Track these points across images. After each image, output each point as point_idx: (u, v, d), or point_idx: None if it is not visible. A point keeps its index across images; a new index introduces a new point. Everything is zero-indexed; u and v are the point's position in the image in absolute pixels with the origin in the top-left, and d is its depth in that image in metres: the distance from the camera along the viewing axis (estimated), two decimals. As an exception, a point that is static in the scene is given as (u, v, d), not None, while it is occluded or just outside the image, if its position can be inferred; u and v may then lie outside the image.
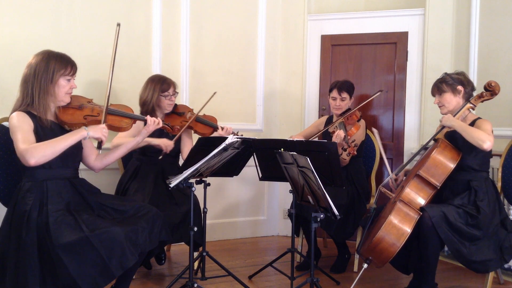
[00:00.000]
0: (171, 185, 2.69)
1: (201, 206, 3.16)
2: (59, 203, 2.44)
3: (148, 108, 3.33)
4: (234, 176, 3.29)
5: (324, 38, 4.55)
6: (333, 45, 4.53)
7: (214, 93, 3.49)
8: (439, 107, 3.10)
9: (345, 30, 4.49)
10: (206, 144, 2.82)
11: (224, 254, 3.96)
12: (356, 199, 3.54)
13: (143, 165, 3.38)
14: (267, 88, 4.61)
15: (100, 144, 2.53)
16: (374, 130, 3.37)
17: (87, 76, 3.53)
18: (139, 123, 2.90)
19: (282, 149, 2.82)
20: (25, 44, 3.43)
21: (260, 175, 3.19)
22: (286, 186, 3.78)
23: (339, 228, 3.42)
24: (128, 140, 2.92)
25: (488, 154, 3.00)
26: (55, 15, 3.58)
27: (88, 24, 3.71)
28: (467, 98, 3.05)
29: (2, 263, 2.37)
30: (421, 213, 2.82)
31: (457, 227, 2.78)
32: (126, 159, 3.52)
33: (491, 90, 2.99)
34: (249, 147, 3.03)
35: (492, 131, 2.88)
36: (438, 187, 2.92)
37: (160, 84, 3.34)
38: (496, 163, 3.42)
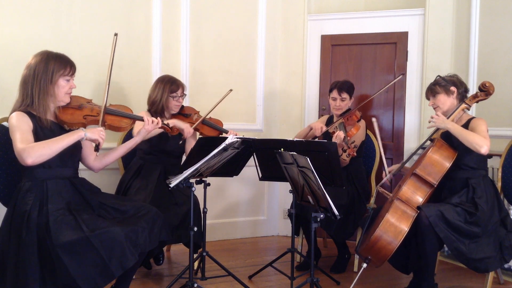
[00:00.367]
0: (171, 185, 2.70)
1: (201, 206, 3.16)
2: (60, 202, 2.44)
3: (157, 108, 3.37)
4: (234, 176, 3.29)
5: (324, 38, 4.55)
6: (333, 45, 4.53)
7: (230, 90, 3.52)
8: (434, 109, 3.13)
9: (345, 30, 4.49)
10: (206, 144, 2.83)
11: (224, 254, 3.96)
12: (356, 199, 3.54)
13: (146, 164, 3.38)
14: (267, 88, 4.61)
15: (97, 147, 2.52)
16: (373, 119, 3.37)
17: (87, 76, 3.53)
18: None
19: (282, 149, 2.82)
20: (25, 44, 3.43)
21: (260, 175, 3.19)
22: (286, 186, 3.78)
23: (339, 228, 3.42)
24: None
25: None
26: (55, 15, 3.58)
27: (88, 24, 3.71)
28: (461, 99, 3.07)
29: (2, 263, 2.37)
30: (418, 211, 2.83)
31: (455, 226, 2.78)
32: (126, 159, 3.52)
33: (485, 91, 3.01)
34: (249, 147, 3.03)
35: (487, 131, 2.88)
36: (435, 186, 2.93)
37: (170, 85, 3.38)
38: (496, 163, 3.42)
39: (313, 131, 3.63)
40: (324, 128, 3.57)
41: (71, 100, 2.60)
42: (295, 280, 3.11)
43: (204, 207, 3.12)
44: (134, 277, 3.04)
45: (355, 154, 3.27)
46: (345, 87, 3.65)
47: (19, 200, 2.41)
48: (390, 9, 4.39)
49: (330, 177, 2.84)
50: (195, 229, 2.87)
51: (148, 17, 3.99)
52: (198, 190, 2.94)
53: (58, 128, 2.54)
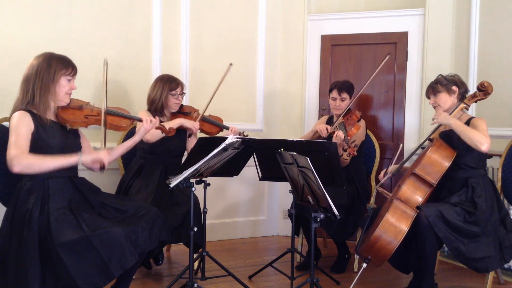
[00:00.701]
0: (171, 185, 2.70)
1: (201, 206, 3.16)
2: (61, 201, 2.44)
3: (157, 106, 3.38)
4: (234, 176, 3.29)
5: (324, 38, 4.55)
6: (333, 45, 4.53)
7: (230, 64, 3.53)
8: (434, 107, 3.12)
9: (345, 30, 4.49)
10: (206, 144, 2.83)
11: (224, 254, 3.97)
12: (356, 199, 3.54)
13: (147, 163, 3.39)
14: (267, 88, 4.61)
15: (102, 169, 2.53)
16: (400, 144, 3.32)
17: (86, 76, 3.52)
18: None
19: (282, 149, 2.82)
20: (25, 44, 3.44)
21: (260, 175, 3.19)
22: (286, 186, 3.78)
23: (339, 228, 3.42)
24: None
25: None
26: (55, 16, 3.58)
27: (88, 25, 3.71)
28: (461, 99, 3.07)
29: (3, 262, 2.37)
30: (418, 211, 2.83)
31: (455, 225, 2.78)
32: (126, 159, 3.52)
33: (484, 90, 3.01)
34: (249, 147, 3.03)
35: (487, 130, 2.88)
36: (435, 185, 2.93)
37: (169, 83, 3.40)
38: (496, 163, 3.42)
39: (318, 133, 3.61)
40: (330, 129, 3.55)
41: (70, 102, 2.62)
42: (295, 280, 3.10)
43: (204, 207, 3.12)
44: (134, 277, 3.04)
45: (355, 153, 3.26)
46: (345, 87, 3.65)
47: (20, 199, 2.41)
48: (390, 9, 4.40)
49: (330, 177, 2.84)
50: (195, 229, 2.87)
51: (148, 17, 3.99)
52: (198, 190, 2.94)
53: (59, 127, 2.55)
